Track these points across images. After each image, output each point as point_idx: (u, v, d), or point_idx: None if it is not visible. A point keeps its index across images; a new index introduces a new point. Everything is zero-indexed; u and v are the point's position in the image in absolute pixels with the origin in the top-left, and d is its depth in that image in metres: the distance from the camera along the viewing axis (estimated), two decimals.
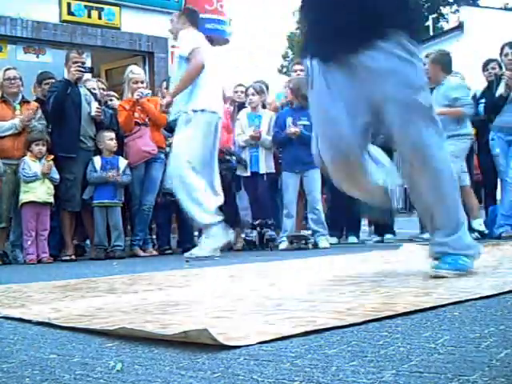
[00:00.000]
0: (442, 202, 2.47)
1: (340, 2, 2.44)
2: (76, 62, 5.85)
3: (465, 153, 5.91)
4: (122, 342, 1.45)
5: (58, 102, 5.73)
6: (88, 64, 6.97)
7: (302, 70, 6.47)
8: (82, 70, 5.93)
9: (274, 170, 6.37)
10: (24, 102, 5.90)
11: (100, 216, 5.83)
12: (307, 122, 5.86)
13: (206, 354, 1.27)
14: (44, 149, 5.60)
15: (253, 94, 6.41)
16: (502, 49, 6.03)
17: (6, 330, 1.75)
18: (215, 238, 5.23)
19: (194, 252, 5.18)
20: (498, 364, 1.08)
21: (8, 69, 5.90)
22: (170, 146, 6.17)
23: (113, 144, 5.91)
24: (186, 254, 5.19)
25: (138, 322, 1.62)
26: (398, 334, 1.38)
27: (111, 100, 6.52)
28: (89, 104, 5.92)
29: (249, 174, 6.34)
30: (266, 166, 6.29)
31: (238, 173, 6.39)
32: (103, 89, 6.70)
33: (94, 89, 6.27)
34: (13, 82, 5.78)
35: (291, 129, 5.96)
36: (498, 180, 6.22)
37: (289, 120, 6.01)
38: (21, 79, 5.88)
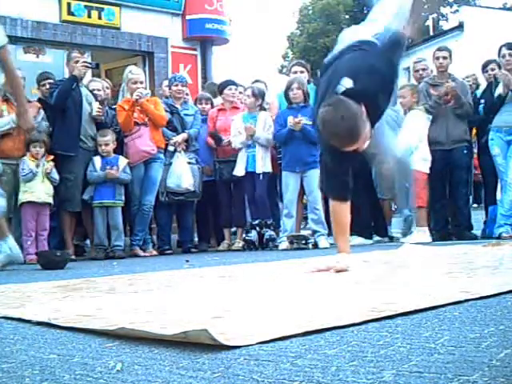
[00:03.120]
0: None
1: None
2: (78, 61, 5.85)
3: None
4: (122, 342, 1.45)
5: (62, 96, 5.72)
6: None
7: (302, 72, 6.46)
8: (88, 65, 5.95)
9: (270, 170, 6.33)
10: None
11: (100, 216, 5.83)
12: (309, 122, 5.86)
13: (206, 354, 1.27)
14: (42, 150, 5.57)
15: (248, 96, 6.36)
16: (500, 50, 6.01)
17: (6, 329, 1.75)
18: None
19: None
20: (498, 364, 1.08)
21: None
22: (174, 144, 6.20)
23: (108, 149, 5.89)
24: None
25: (138, 322, 1.62)
26: (397, 334, 1.38)
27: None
28: (90, 104, 5.93)
29: (244, 173, 6.28)
30: (262, 165, 6.25)
31: (234, 172, 6.33)
32: (107, 87, 6.68)
33: (99, 90, 6.28)
34: None
35: (294, 119, 5.88)
36: (499, 180, 6.20)
37: (290, 118, 5.99)
38: (24, 80, 5.86)
